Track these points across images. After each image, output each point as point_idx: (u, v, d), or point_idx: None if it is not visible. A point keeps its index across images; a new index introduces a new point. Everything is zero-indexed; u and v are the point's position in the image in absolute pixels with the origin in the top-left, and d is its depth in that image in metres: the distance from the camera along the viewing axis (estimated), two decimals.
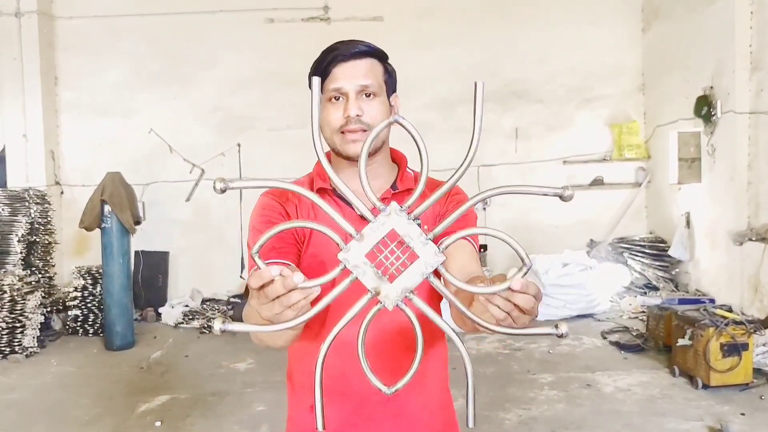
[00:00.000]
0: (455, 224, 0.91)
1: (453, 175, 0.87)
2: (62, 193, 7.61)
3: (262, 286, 0.88)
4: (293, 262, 1.30)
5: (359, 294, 0.88)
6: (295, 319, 0.89)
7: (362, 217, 0.87)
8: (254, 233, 1.36)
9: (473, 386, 0.88)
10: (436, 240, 0.87)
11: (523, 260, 0.84)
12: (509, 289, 0.86)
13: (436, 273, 0.88)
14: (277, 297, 0.87)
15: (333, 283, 0.87)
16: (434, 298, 1.34)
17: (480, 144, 0.85)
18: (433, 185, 1.39)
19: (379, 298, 0.87)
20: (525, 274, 0.85)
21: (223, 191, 0.83)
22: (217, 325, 0.86)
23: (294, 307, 0.88)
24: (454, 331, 0.93)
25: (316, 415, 0.92)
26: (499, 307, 0.89)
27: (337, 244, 0.86)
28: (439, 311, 1.43)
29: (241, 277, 7.29)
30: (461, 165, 0.86)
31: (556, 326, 0.85)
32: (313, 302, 0.90)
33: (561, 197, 0.83)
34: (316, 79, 0.87)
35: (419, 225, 0.88)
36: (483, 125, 0.85)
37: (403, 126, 0.86)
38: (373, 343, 1.32)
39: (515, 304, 0.89)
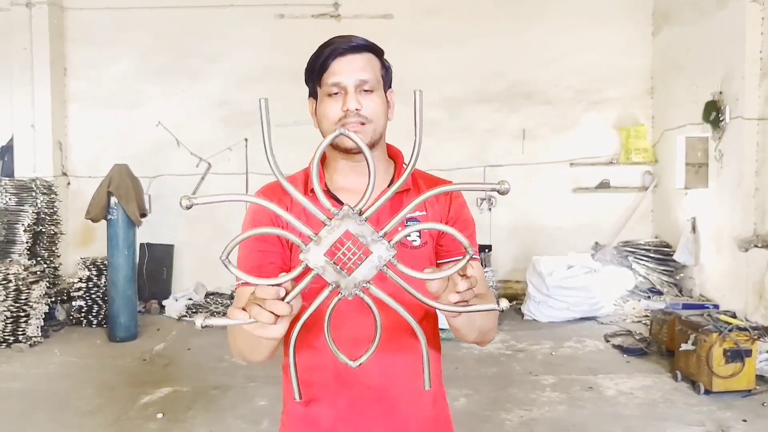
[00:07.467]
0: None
1: (398, 181, 0.97)
2: (69, 183, 7.64)
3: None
4: (278, 266, 1.38)
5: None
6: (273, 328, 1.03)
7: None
8: (242, 249, 1.44)
9: (428, 355, 1.05)
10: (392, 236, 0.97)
11: (466, 249, 0.96)
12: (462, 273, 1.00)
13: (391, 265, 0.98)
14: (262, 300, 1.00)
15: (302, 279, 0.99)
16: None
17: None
18: (430, 182, 1.43)
19: (339, 289, 0.97)
20: (466, 261, 0.97)
21: (188, 208, 0.93)
22: (198, 321, 0.98)
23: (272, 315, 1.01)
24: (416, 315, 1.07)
25: (293, 387, 1.08)
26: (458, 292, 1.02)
27: (298, 245, 0.97)
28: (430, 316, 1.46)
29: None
30: (405, 171, 0.98)
31: (498, 303, 0.98)
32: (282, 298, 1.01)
33: (498, 191, 0.92)
34: (264, 100, 0.93)
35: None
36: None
37: (349, 137, 0.96)
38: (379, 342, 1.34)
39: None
